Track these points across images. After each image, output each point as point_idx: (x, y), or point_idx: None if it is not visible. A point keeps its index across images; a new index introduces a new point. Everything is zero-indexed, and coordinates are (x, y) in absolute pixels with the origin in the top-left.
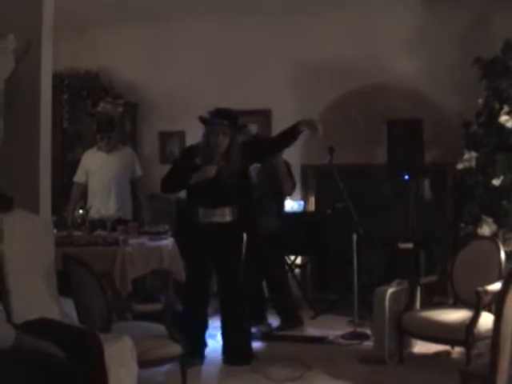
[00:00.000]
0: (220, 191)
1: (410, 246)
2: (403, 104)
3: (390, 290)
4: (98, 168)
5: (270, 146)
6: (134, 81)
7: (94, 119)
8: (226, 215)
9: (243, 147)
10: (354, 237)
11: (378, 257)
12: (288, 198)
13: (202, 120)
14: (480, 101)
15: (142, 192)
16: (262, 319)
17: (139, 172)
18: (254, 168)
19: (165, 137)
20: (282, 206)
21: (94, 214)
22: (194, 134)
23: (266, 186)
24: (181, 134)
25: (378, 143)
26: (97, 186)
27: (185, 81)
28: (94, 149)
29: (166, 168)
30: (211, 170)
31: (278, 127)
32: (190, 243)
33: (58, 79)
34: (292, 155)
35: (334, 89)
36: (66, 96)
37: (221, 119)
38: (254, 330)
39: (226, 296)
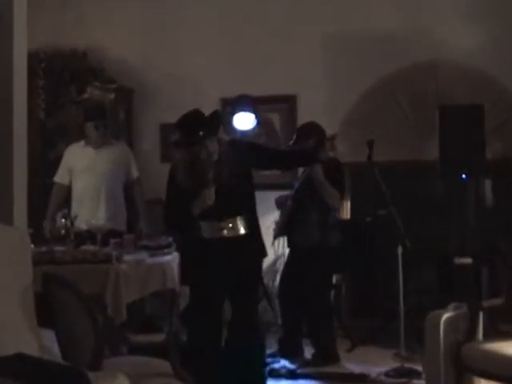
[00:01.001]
0: (225, 198)
1: (468, 261)
2: (460, 87)
3: (446, 316)
4: (85, 167)
5: (277, 158)
6: (130, 61)
7: (79, 108)
8: (237, 227)
9: (248, 147)
10: (400, 250)
11: (429, 274)
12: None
13: (176, 145)
14: None
15: (140, 197)
16: (297, 352)
17: (135, 173)
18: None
19: (168, 130)
20: (327, 217)
21: (80, 224)
22: None
23: (305, 195)
24: None
25: (428, 135)
26: (83, 190)
27: (193, 62)
28: (81, 143)
29: (167, 166)
30: (210, 196)
31: (304, 117)
32: (194, 265)
33: (36, 59)
34: None
35: (374, 69)
36: (42, 82)
37: (193, 133)
38: (276, 365)
39: (236, 326)
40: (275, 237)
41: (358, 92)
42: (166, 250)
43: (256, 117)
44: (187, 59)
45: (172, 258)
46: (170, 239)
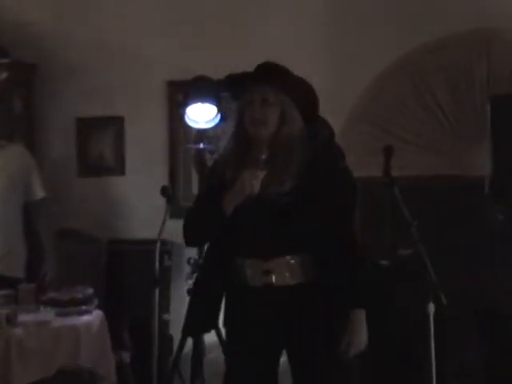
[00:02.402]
0: (277, 223)
1: None
2: None
3: None
4: None
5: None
6: (33, 27)
7: None
8: (288, 272)
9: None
10: (432, 309)
11: (475, 346)
12: None
13: (231, 81)
14: None
15: (45, 226)
16: None
17: (40, 191)
18: None
19: (88, 127)
20: None
21: None
22: (141, 122)
23: None
24: (117, 123)
25: (476, 139)
26: None
27: (125, 28)
28: None
29: (89, 184)
30: (251, 181)
31: None
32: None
33: None
34: None
35: (396, 41)
36: None
37: (260, 78)
38: None
39: None
40: None
41: (370, 75)
42: (83, 307)
43: (219, 109)
44: (117, 22)
45: (92, 320)
46: (90, 291)
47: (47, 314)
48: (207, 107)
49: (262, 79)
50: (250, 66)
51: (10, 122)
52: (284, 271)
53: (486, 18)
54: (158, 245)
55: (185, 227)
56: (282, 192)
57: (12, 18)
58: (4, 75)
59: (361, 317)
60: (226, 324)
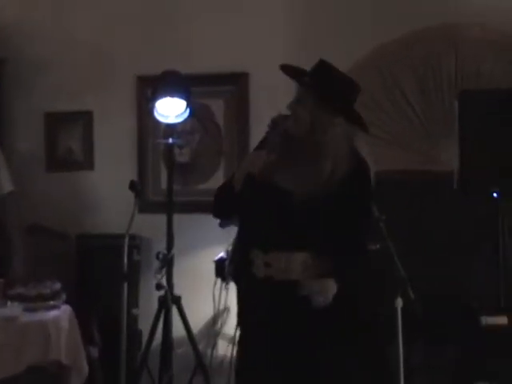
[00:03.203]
0: (293, 219)
1: (503, 320)
2: (492, 64)
3: None
4: None
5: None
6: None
7: None
8: (298, 268)
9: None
10: (400, 303)
11: (443, 341)
12: None
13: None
14: None
15: (14, 221)
16: None
17: (8, 185)
18: None
19: (56, 121)
20: None
21: None
22: (110, 117)
23: None
24: (85, 117)
25: (444, 134)
26: None
27: (94, 22)
28: None
29: (58, 178)
30: (254, 160)
31: (260, 104)
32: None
33: None
34: None
35: (364, 37)
36: None
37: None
38: None
39: None
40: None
41: (339, 69)
42: (51, 302)
43: (188, 104)
44: (86, 19)
45: (61, 314)
46: (58, 285)
47: (15, 310)
48: (176, 102)
49: (309, 83)
50: (215, 62)
51: None
52: (283, 266)
53: (453, 15)
54: (127, 239)
55: (214, 199)
56: (295, 190)
57: None
58: None
59: (333, 285)
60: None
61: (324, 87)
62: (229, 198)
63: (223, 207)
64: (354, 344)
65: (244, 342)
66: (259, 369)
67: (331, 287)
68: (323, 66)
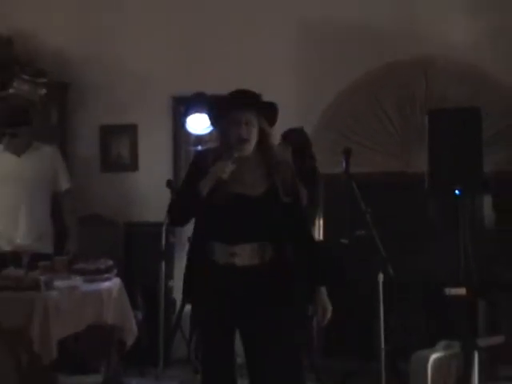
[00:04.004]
0: (243, 217)
1: (462, 291)
2: (456, 88)
3: (434, 357)
4: (4, 176)
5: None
6: (65, 52)
7: (3, 105)
8: (248, 255)
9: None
10: (381, 279)
11: (415, 307)
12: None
13: (212, 103)
14: None
15: (69, 213)
16: None
17: (65, 183)
18: None
19: (109, 133)
20: None
21: None
22: (151, 129)
23: None
24: (131, 129)
25: (416, 143)
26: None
27: (140, 53)
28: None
29: (110, 178)
30: (223, 168)
31: None
32: (202, 299)
33: None
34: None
35: (354, 65)
36: None
37: (242, 103)
38: None
39: None
40: None
41: (334, 92)
42: (105, 275)
43: None
44: (133, 51)
45: (112, 285)
46: (111, 262)
47: (77, 281)
48: (203, 117)
49: (244, 105)
50: (236, 85)
51: (48, 129)
52: (245, 254)
53: (423, 50)
54: (164, 226)
55: (170, 209)
56: (254, 195)
57: (50, 47)
58: (43, 92)
59: (324, 292)
60: (193, 293)
61: (264, 109)
62: (193, 203)
63: (185, 212)
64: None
65: (200, 312)
66: (216, 329)
67: (328, 302)
68: (250, 94)
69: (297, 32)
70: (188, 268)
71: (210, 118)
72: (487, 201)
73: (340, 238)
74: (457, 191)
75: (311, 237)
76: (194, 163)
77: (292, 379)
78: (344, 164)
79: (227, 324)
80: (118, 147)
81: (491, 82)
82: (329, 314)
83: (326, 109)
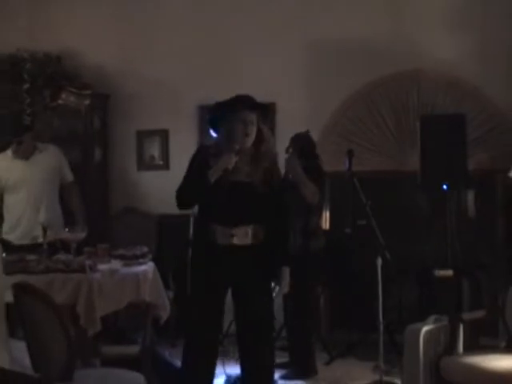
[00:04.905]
0: (241, 201)
1: (449, 273)
2: (443, 97)
3: (425, 329)
4: (18, 180)
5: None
6: (105, 67)
7: (54, 114)
8: (245, 236)
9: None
10: (379, 262)
11: (409, 287)
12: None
13: (219, 106)
14: None
15: (77, 201)
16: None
17: (70, 175)
18: None
19: (144, 137)
20: (308, 222)
21: (17, 239)
22: (180, 134)
23: (288, 197)
24: (163, 134)
25: (409, 145)
26: (22, 206)
27: (169, 68)
28: (8, 154)
29: (145, 175)
30: (229, 160)
31: (283, 125)
32: (202, 271)
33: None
34: None
35: (355, 77)
36: (27, 85)
37: (244, 106)
38: None
39: (251, 341)
40: None
41: (338, 100)
42: (141, 260)
43: None
44: (164, 65)
45: (147, 269)
46: (145, 249)
47: (117, 265)
48: None
49: (252, 107)
50: (255, 96)
51: (91, 134)
52: (243, 235)
53: (417, 61)
54: (192, 218)
55: (178, 195)
56: (250, 183)
57: (91, 61)
58: (88, 102)
59: (287, 271)
60: (195, 267)
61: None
62: (201, 189)
63: (194, 198)
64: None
65: (200, 276)
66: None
67: (288, 280)
68: (252, 99)
69: (306, 50)
70: (194, 249)
71: (214, 118)
72: (470, 194)
73: (344, 228)
74: (444, 186)
75: (286, 224)
76: (198, 154)
77: (267, 321)
78: (347, 163)
79: (221, 285)
80: (151, 149)
81: (474, 92)
82: (288, 286)
83: (331, 115)
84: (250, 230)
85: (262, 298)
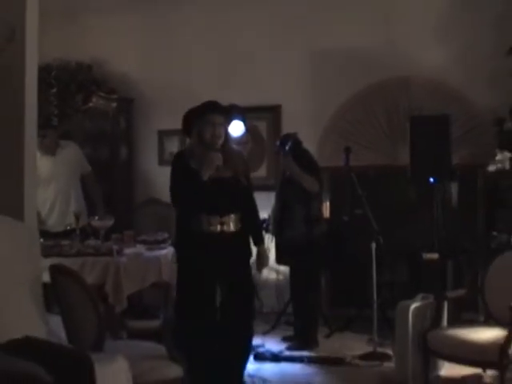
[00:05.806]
0: (226, 194)
1: (435, 256)
2: (430, 99)
3: (414, 306)
4: (48, 176)
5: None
6: (130, 74)
7: (85, 116)
8: (233, 223)
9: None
10: (374, 246)
11: (399, 268)
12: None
13: (190, 114)
14: None
15: (95, 189)
16: None
17: (88, 166)
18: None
19: (164, 136)
20: (310, 209)
21: (51, 228)
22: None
23: (288, 193)
24: (181, 133)
25: (401, 143)
26: (53, 198)
27: (185, 74)
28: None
29: (165, 170)
30: (217, 158)
31: (288, 125)
32: (191, 258)
33: (46, 71)
34: None
35: (352, 82)
36: (54, 90)
37: (213, 110)
38: (261, 349)
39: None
40: (273, 234)
41: (337, 103)
42: (162, 245)
43: (245, 124)
44: (181, 72)
45: (167, 252)
46: (166, 235)
47: (141, 249)
48: (238, 123)
49: (220, 111)
50: (263, 98)
51: (118, 133)
52: (229, 223)
53: (407, 68)
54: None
55: (174, 199)
56: (228, 177)
57: (117, 69)
58: (114, 105)
59: (264, 248)
60: (188, 253)
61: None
62: (196, 189)
63: (192, 197)
64: None
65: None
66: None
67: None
68: (221, 105)
69: (309, 58)
70: (182, 236)
71: (188, 123)
72: (454, 187)
73: (342, 216)
74: (431, 179)
75: (256, 210)
76: (179, 160)
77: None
78: (345, 159)
79: (213, 275)
80: (171, 146)
81: (458, 95)
82: (267, 263)
83: (331, 116)
84: (233, 218)
85: (246, 287)
